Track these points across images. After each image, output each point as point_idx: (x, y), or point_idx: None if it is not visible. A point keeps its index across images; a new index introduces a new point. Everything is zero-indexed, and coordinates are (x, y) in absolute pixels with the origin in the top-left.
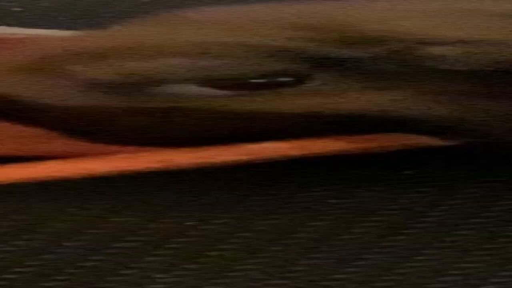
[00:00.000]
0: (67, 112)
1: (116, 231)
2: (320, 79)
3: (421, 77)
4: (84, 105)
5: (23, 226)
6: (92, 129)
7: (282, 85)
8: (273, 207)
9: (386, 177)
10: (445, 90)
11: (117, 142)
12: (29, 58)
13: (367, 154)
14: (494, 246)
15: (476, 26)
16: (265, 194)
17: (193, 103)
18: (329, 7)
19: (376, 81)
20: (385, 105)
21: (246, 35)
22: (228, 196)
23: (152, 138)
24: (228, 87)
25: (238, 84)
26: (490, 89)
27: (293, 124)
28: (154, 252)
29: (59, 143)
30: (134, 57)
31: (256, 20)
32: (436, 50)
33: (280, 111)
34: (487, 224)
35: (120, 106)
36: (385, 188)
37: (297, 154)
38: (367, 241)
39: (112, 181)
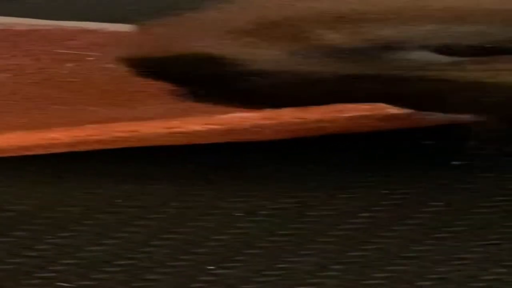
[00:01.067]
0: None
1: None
2: None
3: None
4: (314, 71)
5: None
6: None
7: None
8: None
9: None
10: None
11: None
12: (256, 21)
13: None
14: None
15: None
16: None
17: (430, 71)
18: None
19: None
20: None
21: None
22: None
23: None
24: (465, 54)
25: (475, 50)
26: None
27: None
28: None
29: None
30: (374, 22)
31: None
32: None
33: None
34: None
35: (352, 73)
36: None
37: (268, 123)
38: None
39: None
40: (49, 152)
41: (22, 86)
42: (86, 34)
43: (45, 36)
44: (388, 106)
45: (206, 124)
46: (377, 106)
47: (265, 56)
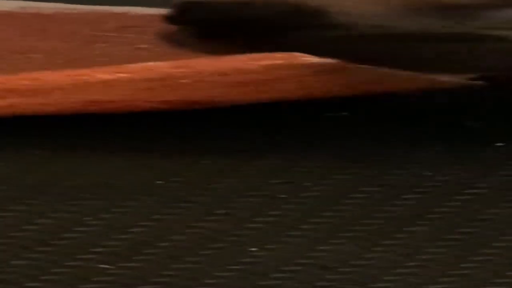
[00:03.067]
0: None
1: None
2: None
3: None
4: (401, 28)
5: None
6: (386, 55)
7: None
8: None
9: None
10: None
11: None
12: None
13: None
14: None
15: None
16: None
17: None
18: None
19: None
20: None
21: None
22: None
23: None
24: None
25: None
26: None
27: None
28: None
29: None
30: None
31: None
32: None
33: None
34: None
35: (438, 32)
36: None
37: (179, 72)
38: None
39: None
40: None
41: (53, 66)
42: (116, 17)
43: (75, 19)
44: (303, 55)
45: (115, 72)
46: (292, 55)
47: (357, 9)
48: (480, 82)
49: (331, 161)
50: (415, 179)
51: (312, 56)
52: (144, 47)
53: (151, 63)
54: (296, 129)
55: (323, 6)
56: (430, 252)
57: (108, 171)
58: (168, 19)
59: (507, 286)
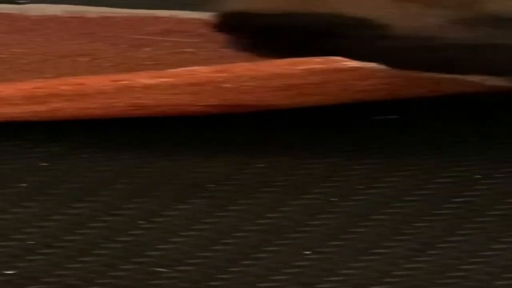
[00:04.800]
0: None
1: None
2: None
3: None
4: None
5: None
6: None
7: None
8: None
9: None
10: None
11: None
12: None
13: None
14: None
15: None
16: None
17: None
18: None
19: None
20: None
21: None
22: None
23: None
24: None
25: None
26: None
27: None
28: None
29: None
30: None
31: None
32: None
33: None
34: None
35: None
36: None
37: (219, 76)
38: None
39: None
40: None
41: (99, 70)
42: (160, 21)
43: (120, 23)
44: (343, 59)
45: (156, 77)
46: (330, 59)
47: (411, 21)
48: None
49: (383, 165)
50: (466, 181)
51: (352, 60)
52: (189, 50)
53: (193, 68)
54: (346, 133)
55: (369, 16)
56: (493, 248)
57: (154, 174)
58: (213, 26)
59: None
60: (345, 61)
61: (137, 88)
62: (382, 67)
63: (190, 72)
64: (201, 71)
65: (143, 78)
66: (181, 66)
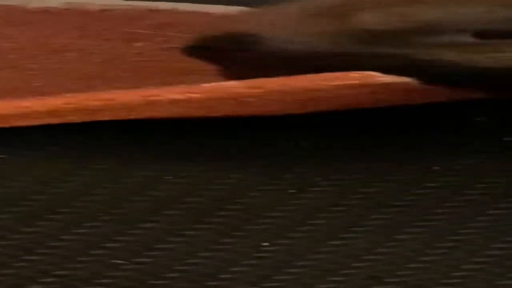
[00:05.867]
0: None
1: None
2: None
3: None
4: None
5: None
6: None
7: None
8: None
9: None
10: None
11: None
12: (319, 4)
13: None
14: None
15: None
16: None
17: (460, 54)
18: None
19: None
20: None
21: None
22: None
23: None
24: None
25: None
26: None
27: None
28: None
29: None
30: (415, 5)
31: None
32: None
33: None
34: None
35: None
36: None
37: (252, 92)
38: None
39: None
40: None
41: (87, 65)
42: (158, 14)
43: (116, 16)
44: (379, 74)
45: (185, 92)
46: (367, 75)
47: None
48: None
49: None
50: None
51: (386, 75)
52: (180, 47)
53: (222, 83)
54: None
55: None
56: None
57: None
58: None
59: None
60: (380, 77)
61: (165, 103)
62: (415, 81)
63: (219, 88)
64: (230, 86)
65: (172, 94)
66: (170, 63)
